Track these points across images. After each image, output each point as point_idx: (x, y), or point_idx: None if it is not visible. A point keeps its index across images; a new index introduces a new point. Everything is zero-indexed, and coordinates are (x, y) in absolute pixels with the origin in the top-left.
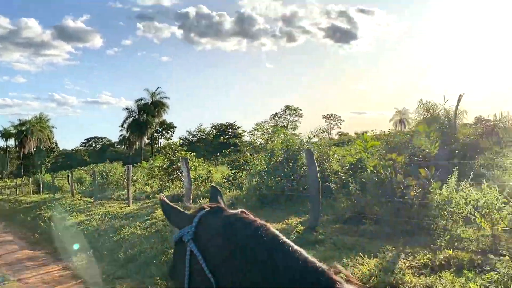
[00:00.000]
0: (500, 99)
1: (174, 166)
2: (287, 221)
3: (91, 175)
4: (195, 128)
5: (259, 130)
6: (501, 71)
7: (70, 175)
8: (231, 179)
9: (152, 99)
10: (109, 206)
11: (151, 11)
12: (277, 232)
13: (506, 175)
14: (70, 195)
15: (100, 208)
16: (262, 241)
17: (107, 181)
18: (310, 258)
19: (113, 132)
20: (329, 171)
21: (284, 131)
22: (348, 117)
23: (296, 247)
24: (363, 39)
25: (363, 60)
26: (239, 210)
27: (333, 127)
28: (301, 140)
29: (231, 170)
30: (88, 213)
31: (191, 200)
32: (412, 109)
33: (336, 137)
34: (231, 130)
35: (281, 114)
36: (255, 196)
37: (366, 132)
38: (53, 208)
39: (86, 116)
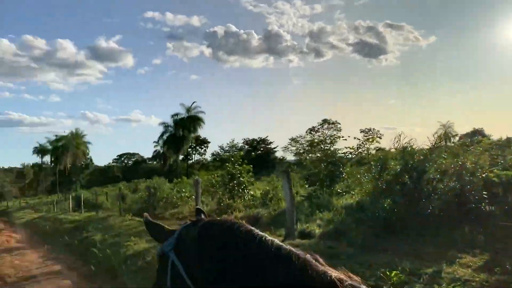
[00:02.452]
0: None
1: (235, 182)
2: (460, 260)
3: (132, 191)
4: (227, 144)
5: (294, 145)
6: None
7: (119, 191)
8: (311, 197)
9: (188, 113)
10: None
11: (181, 31)
12: (249, 226)
13: None
14: (117, 214)
15: None
16: (231, 237)
17: (155, 198)
18: (283, 245)
19: (144, 148)
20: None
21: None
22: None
23: (268, 237)
24: (392, 54)
25: (392, 74)
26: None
27: (372, 142)
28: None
29: (309, 186)
30: (149, 238)
31: (296, 224)
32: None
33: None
34: (263, 145)
35: (318, 128)
36: (363, 220)
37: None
38: (101, 230)
39: (117, 134)
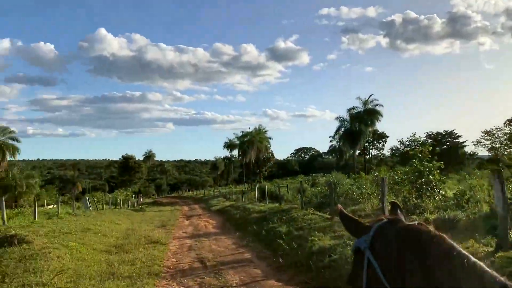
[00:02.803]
0: None
1: (423, 180)
2: None
3: (310, 185)
4: (408, 138)
5: (488, 138)
6: None
7: (300, 185)
8: None
9: (365, 107)
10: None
11: (356, 24)
12: (451, 242)
13: None
14: (299, 207)
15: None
16: (431, 250)
17: (335, 193)
18: (488, 269)
19: (319, 143)
20: None
21: None
22: None
23: (472, 258)
24: None
25: None
26: (416, 222)
27: None
28: None
29: None
30: (333, 235)
31: (509, 233)
32: None
33: None
34: (449, 139)
35: None
36: None
37: None
38: (285, 222)
39: (294, 129)
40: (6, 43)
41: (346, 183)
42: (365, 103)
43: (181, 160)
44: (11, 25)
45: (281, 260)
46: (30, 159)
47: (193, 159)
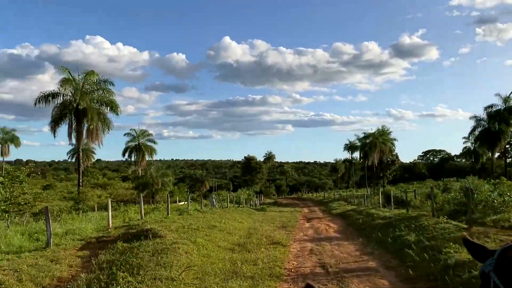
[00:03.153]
0: None
1: None
2: None
3: (442, 191)
4: None
5: None
6: None
7: (431, 190)
8: None
9: (506, 104)
10: (496, 239)
11: (493, 13)
12: None
13: None
14: (429, 214)
15: (488, 241)
16: None
17: (472, 201)
18: None
19: (450, 144)
20: None
21: None
22: None
23: None
24: None
25: None
26: None
27: None
28: None
29: None
30: None
31: None
32: None
33: None
34: None
35: None
36: None
37: None
38: (414, 230)
39: (421, 130)
40: (145, 55)
41: (485, 190)
42: (505, 100)
43: (300, 162)
44: (150, 39)
45: (410, 271)
46: (165, 159)
47: (312, 160)
